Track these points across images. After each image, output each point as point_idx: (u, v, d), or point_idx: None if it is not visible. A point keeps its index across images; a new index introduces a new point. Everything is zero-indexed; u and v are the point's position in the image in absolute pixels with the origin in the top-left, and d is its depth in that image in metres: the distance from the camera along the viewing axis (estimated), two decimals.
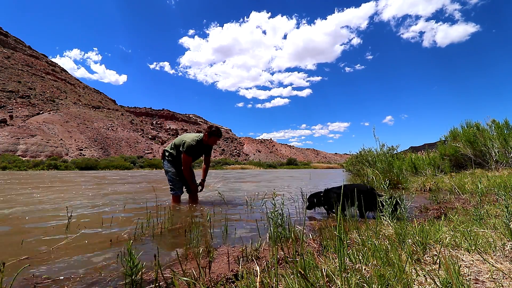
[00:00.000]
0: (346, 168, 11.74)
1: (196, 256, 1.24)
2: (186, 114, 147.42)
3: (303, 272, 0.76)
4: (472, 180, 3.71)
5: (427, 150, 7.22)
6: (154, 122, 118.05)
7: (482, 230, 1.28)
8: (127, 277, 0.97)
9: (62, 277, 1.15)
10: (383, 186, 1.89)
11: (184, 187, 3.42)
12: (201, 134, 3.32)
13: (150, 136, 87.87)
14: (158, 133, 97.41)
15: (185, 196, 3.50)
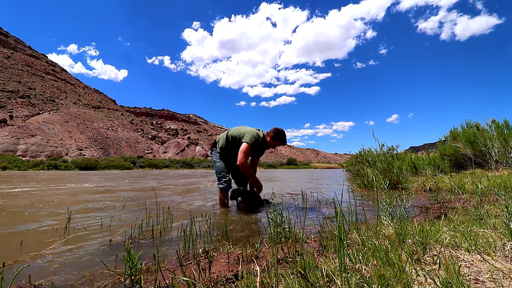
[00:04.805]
0: (346, 168, 11.74)
1: (196, 257, 1.24)
2: (186, 114, 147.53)
3: (303, 272, 0.76)
4: (472, 180, 3.71)
5: (427, 150, 7.21)
6: (154, 122, 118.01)
7: (482, 230, 1.28)
8: (127, 277, 0.97)
9: (59, 281, 1.14)
10: (383, 186, 1.89)
11: (234, 181, 3.11)
12: (262, 131, 3.04)
13: (150, 136, 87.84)
14: (158, 133, 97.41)
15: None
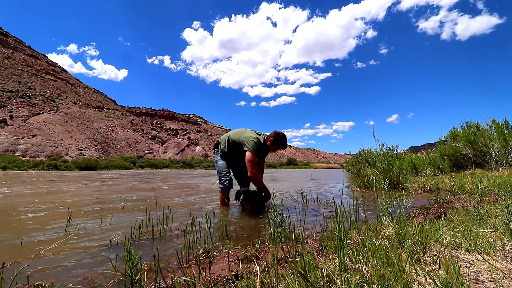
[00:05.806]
0: (346, 168, 11.74)
1: (196, 257, 1.24)
2: (186, 114, 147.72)
3: (303, 272, 0.76)
4: (472, 180, 3.71)
5: (427, 150, 7.21)
6: (154, 122, 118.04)
7: (482, 230, 1.28)
8: (127, 277, 0.97)
9: (58, 281, 1.14)
10: (383, 186, 1.89)
11: (236, 181, 3.12)
12: (264, 134, 3.03)
13: (150, 136, 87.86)
14: (158, 133, 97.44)
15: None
